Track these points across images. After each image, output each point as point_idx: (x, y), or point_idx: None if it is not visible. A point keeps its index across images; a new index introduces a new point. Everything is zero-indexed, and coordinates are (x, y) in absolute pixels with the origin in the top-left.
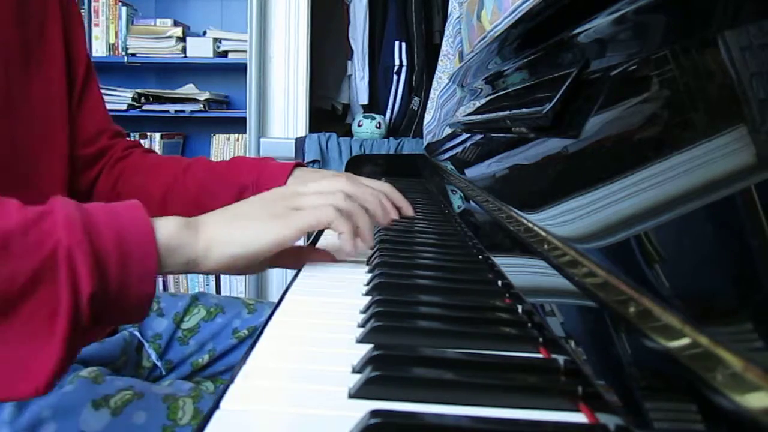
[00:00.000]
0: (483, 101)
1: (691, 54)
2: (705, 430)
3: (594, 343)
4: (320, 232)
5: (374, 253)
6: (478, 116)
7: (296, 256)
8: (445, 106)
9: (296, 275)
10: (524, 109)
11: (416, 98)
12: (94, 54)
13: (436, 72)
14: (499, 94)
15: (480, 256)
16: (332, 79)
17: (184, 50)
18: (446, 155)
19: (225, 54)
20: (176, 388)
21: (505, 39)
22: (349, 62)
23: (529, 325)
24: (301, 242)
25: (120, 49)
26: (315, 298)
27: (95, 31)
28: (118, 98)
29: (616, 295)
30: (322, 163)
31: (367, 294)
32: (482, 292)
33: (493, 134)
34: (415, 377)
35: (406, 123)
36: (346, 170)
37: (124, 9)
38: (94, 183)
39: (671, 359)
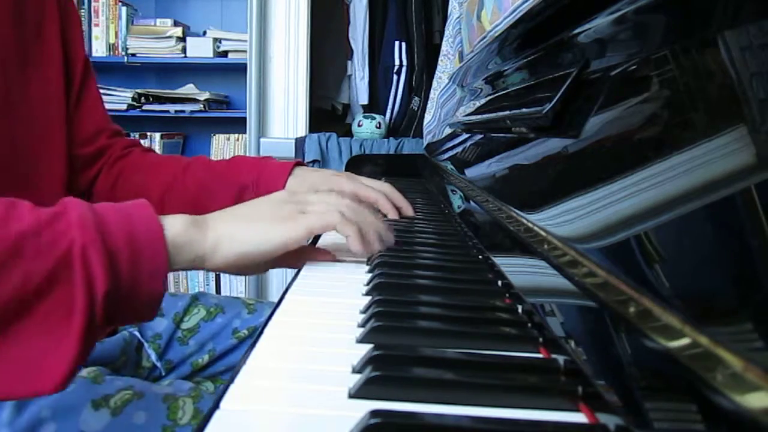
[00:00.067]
0: (483, 101)
1: (691, 54)
2: (705, 430)
3: (594, 343)
4: None
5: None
6: (478, 116)
7: (297, 255)
8: (445, 106)
9: (296, 275)
10: (524, 109)
11: (416, 98)
12: (94, 54)
13: (436, 72)
14: (499, 94)
15: (480, 256)
16: (332, 79)
17: (184, 50)
18: (446, 155)
19: (225, 54)
20: (176, 388)
21: (505, 39)
22: (349, 62)
23: (529, 325)
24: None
25: (120, 49)
26: (315, 298)
27: (95, 31)
28: (118, 98)
29: (616, 295)
30: (322, 162)
31: (367, 294)
32: (482, 292)
33: (493, 134)
34: (415, 377)
35: (406, 123)
36: (346, 170)
37: (124, 9)
38: (94, 182)
39: (671, 359)
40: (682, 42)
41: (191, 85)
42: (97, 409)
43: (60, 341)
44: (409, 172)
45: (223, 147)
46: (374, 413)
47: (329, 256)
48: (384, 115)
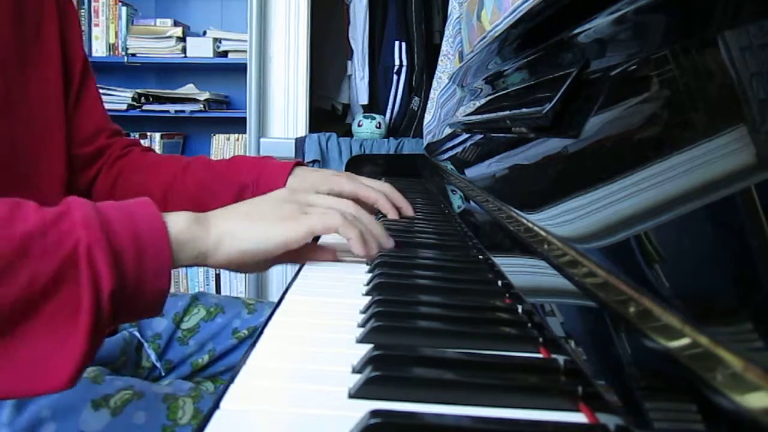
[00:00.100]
0: (483, 101)
1: (691, 54)
2: (705, 430)
3: (594, 343)
4: None
5: None
6: (478, 116)
7: (298, 251)
8: (445, 106)
9: (296, 275)
10: (524, 109)
11: (416, 98)
12: (94, 54)
13: (436, 72)
14: (499, 94)
15: (480, 256)
16: (332, 79)
17: (184, 50)
18: (446, 155)
19: (225, 54)
20: (176, 387)
21: (505, 39)
22: (349, 62)
23: (529, 325)
24: None
25: (120, 49)
26: (315, 298)
27: (95, 31)
28: (118, 98)
29: (616, 295)
30: (322, 163)
31: (367, 294)
32: (482, 292)
33: (493, 134)
34: (415, 377)
35: (406, 123)
36: (346, 170)
37: (124, 9)
38: (93, 182)
39: (671, 359)
40: (682, 42)
41: (191, 85)
42: (97, 409)
43: (67, 340)
44: (409, 172)
45: (223, 147)
46: (374, 413)
47: (331, 254)
48: (384, 115)
